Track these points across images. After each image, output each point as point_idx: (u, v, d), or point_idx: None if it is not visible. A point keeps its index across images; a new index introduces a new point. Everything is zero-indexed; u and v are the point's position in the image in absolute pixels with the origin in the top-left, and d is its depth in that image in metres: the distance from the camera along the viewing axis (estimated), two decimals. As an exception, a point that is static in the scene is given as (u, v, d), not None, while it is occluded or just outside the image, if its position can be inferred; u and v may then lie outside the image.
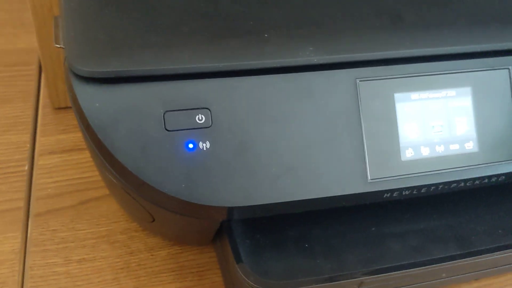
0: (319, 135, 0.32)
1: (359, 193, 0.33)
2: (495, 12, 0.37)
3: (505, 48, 0.36)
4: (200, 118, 0.30)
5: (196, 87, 0.30)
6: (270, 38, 0.33)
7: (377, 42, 0.34)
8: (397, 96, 0.34)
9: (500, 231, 0.36)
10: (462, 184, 0.36)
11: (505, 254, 0.36)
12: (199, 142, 0.30)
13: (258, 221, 0.35)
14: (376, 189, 0.33)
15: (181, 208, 0.31)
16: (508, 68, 0.36)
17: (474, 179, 0.36)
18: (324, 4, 0.36)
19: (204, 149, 0.30)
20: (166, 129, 0.30)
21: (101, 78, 0.29)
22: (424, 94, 0.35)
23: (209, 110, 0.31)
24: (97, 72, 0.29)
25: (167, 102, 0.30)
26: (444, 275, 0.36)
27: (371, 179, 0.33)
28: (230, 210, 0.31)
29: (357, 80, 0.33)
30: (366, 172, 0.33)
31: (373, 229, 0.36)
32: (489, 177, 0.36)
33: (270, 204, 0.31)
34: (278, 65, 0.31)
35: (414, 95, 0.34)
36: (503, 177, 0.36)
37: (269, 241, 0.34)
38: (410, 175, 0.34)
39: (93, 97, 0.30)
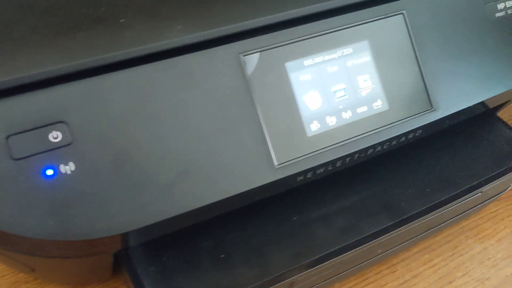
0: (209, 128, 0.27)
1: (269, 183, 0.28)
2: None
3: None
4: (55, 136, 0.24)
5: (44, 97, 0.24)
6: (128, 23, 0.27)
7: (254, 8, 0.29)
8: (288, 65, 0.30)
9: (428, 190, 0.34)
10: (379, 148, 0.32)
11: (439, 213, 0.33)
12: (59, 166, 0.24)
13: (161, 240, 0.29)
14: (287, 174, 0.29)
15: (57, 250, 0.25)
16: (402, 13, 0.33)
17: (390, 140, 0.32)
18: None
19: (68, 172, 0.24)
20: (14, 158, 0.24)
21: None
22: (318, 58, 0.31)
23: (66, 123, 0.25)
24: None
25: (8, 123, 0.24)
26: (379, 251, 0.33)
27: (278, 165, 0.28)
28: (116, 238, 0.26)
29: (241, 55, 0.28)
30: (272, 158, 0.28)
31: (294, 218, 0.32)
32: (406, 134, 0.33)
33: (168, 219, 0.26)
34: (143, 53, 0.26)
35: (308, 61, 0.30)
36: (420, 131, 0.33)
37: (178, 261, 0.29)
38: (320, 151, 0.30)
39: None
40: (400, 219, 0.32)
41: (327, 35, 0.31)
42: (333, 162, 0.31)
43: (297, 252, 0.30)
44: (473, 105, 0.34)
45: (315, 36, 0.30)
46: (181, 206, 0.26)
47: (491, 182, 0.34)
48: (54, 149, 0.24)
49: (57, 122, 0.24)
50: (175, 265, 0.28)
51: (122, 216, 0.25)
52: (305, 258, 0.30)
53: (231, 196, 0.27)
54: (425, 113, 0.33)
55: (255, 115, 0.28)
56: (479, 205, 0.41)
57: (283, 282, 0.29)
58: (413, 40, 0.33)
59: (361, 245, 0.31)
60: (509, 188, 0.44)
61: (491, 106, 0.39)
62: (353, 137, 0.31)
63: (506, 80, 0.35)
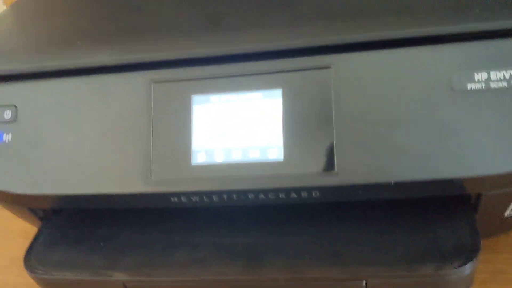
0: (107, 133, 0.33)
1: (140, 193, 0.32)
2: (315, 7, 0.33)
3: (326, 43, 0.31)
4: (7, 114, 0.35)
5: (6, 86, 0.35)
6: (80, 43, 0.36)
7: (175, 44, 0.34)
8: (195, 98, 0.33)
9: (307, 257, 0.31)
10: (263, 195, 0.32)
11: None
12: (3, 134, 0.35)
13: (72, 218, 0.37)
14: (159, 190, 0.32)
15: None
16: (330, 67, 0.31)
17: (278, 190, 0.31)
18: (133, 8, 0.37)
19: (6, 141, 0.35)
20: (-18, 122, 0.35)
21: None
22: (224, 97, 0.33)
23: (16, 107, 0.35)
24: None
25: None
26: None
27: (153, 179, 0.32)
28: (20, 197, 0.34)
29: (152, 82, 0.33)
30: (149, 172, 0.32)
31: (176, 237, 0.34)
32: (297, 190, 0.31)
33: (54, 195, 0.33)
34: (74, 67, 0.34)
35: (214, 97, 0.33)
36: (317, 192, 0.31)
37: (65, 238, 0.36)
38: (199, 179, 0.32)
39: None
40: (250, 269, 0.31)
41: (241, 77, 0.32)
42: (208, 193, 0.32)
43: (143, 261, 0.33)
44: (389, 183, 0.29)
45: (227, 77, 0.33)
46: (64, 188, 0.33)
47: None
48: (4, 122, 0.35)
49: (10, 105, 0.35)
50: (59, 241, 0.35)
51: (27, 181, 0.34)
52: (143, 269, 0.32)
53: (102, 194, 0.33)
54: (326, 175, 0.30)
55: (148, 130, 0.33)
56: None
57: (115, 279, 0.32)
58: (334, 99, 0.31)
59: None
60: None
61: (438, 191, 0.31)
62: (235, 177, 0.31)
63: (445, 165, 0.29)
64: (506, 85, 0.29)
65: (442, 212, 0.32)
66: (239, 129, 0.32)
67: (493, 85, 0.29)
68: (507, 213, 0.33)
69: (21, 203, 0.36)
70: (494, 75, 0.29)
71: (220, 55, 0.33)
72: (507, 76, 0.29)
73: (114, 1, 0.41)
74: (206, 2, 0.37)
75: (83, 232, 0.36)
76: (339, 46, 0.31)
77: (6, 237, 0.48)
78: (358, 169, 0.30)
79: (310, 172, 0.30)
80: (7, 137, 0.35)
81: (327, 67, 0.31)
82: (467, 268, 0.29)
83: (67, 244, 0.35)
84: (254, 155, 0.32)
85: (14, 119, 0.35)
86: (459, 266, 0.29)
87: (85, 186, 0.33)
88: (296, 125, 0.31)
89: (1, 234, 0.49)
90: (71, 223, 0.37)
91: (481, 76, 0.29)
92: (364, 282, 0.30)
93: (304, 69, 0.32)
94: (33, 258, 0.34)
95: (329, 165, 0.30)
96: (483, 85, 0.29)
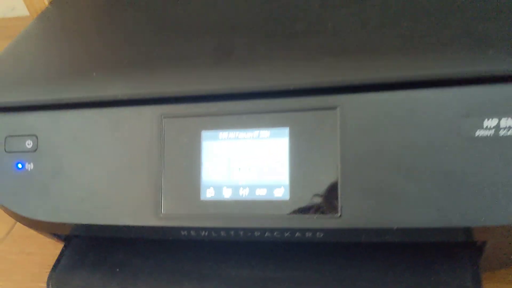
0: (121, 165, 0.35)
1: (151, 227, 0.34)
2: (323, 47, 0.33)
3: (333, 85, 0.31)
4: (29, 143, 0.37)
5: (27, 117, 0.37)
6: (96, 75, 0.37)
7: (186, 79, 0.34)
8: (204, 134, 0.33)
9: None
10: (269, 233, 0.32)
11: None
12: (25, 163, 0.37)
13: (90, 242, 0.39)
14: (169, 224, 0.33)
15: (12, 216, 0.38)
16: (336, 108, 0.31)
17: (283, 230, 0.32)
18: (146, 38, 0.38)
19: (29, 170, 0.36)
20: (6, 151, 0.37)
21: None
22: (233, 133, 0.33)
23: (36, 137, 0.37)
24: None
25: (7, 129, 0.37)
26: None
27: (164, 214, 0.33)
28: (40, 223, 0.36)
29: (162, 117, 0.34)
30: (160, 206, 0.33)
31: (186, 267, 0.35)
32: (302, 230, 0.32)
33: (71, 224, 0.35)
34: (90, 100, 0.35)
35: (223, 134, 0.33)
36: (321, 233, 0.31)
37: (84, 262, 0.38)
38: (207, 215, 0.33)
39: None
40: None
41: (249, 115, 0.33)
42: (216, 229, 0.33)
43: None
44: (392, 229, 0.29)
45: (236, 114, 0.33)
46: (82, 218, 0.35)
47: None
48: (26, 151, 0.37)
49: (31, 135, 0.37)
50: (83, 262, 0.37)
51: (47, 209, 0.36)
52: None
53: (115, 225, 0.34)
54: (329, 217, 0.31)
55: (160, 167, 0.34)
56: None
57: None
58: (340, 141, 0.31)
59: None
60: None
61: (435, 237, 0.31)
62: (242, 215, 0.32)
63: (451, 214, 0.28)
64: (514, 133, 0.28)
65: (446, 255, 0.32)
66: (246, 166, 0.33)
67: (502, 132, 0.29)
68: (514, 255, 0.33)
69: (42, 229, 0.39)
70: (504, 122, 0.29)
71: (230, 92, 0.33)
72: (517, 125, 0.28)
73: (129, 30, 0.42)
74: (217, 34, 0.37)
75: (100, 257, 0.38)
76: (345, 87, 0.31)
77: (38, 243, 0.51)
78: (361, 213, 0.30)
79: (314, 214, 0.31)
80: (29, 166, 0.37)
81: (334, 108, 0.31)
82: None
83: (86, 268, 0.37)
84: (261, 193, 0.32)
85: (35, 149, 0.36)
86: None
87: (100, 217, 0.35)
88: (303, 164, 0.32)
89: (33, 241, 0.51)
90: (90, 247, 0.39)
91: (490, 122, 0.29)
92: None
93: (311, 109, 0.32)
94: (54, 281, 0.36)
95: (333, 208, 0.31)
96: (493, 132, 0.29)
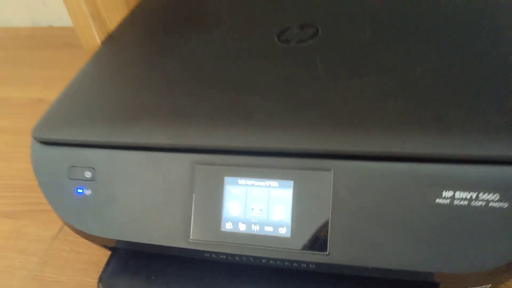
0: (160, 199, 0.44)
1: (181, 248, 0.43)
2: (323, 115, 0.41)
3: (328, 151, 0.40)
4: (88, 174, 0.46)
5: (86, 153, 0.47)
6: (144, 121, 0.46)
7: (215, 134, 0.43)
8: (227, 179, 0.43)
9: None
10: (273, 262, 0.42)
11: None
12: (84, 189, 0.46)
13: (133, 253, 0.48)
14: (195, 248, 0.43)
15: (73, 229, 0.48)
16: (331, 171, 0.40)
17: (284, 260, 0.41)
18: (187, 94, 0.47)
19: (87, 195, 0.46)
20: (69, 178, 0.47)
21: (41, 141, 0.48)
22: (250, 181, 0.42)
23: (94, 169, 0.46)
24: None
25: (71, 160, 0.47)
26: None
27: (192, 239, 0.43)
28: (93, 236, 0.46)
29: (194, 163, 0.43)
30: (189, 233, 0.43)
31: (208, 279, 0.45)
32: (299, 262, 0.41)
33: (118, 240, 0.45)
34: (138, 144, 0.45)
35: (241, 181, 0.42)
36: (313, 265, 0.40)
37: (127, 269, 0.48)
38: (225, 243, 0.42)
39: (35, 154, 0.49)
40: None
41: (262, 168, 0.42)
42: (232, 255, 0.42)
43: None
44: (367, 267, 0.38)
45: (253, 167, 0.42)
46: (125, 236, 0.45)
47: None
48: (86, 180, 0.46)
49: (90, 167, 0.46)
50: (129, 270, 0.47)
51: (101, 227, 0.45)
52: None
53: (153, 245, 0.44)
54: (320, 254, 0.40)
55: (190, 203, 0.43)
56: None
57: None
58: (332, 195, 0.40)
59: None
60: None
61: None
62: (254, 245, 0.41)
63: (415, 259, 0.37)
64: (466, 204, 0.37)
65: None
66: (258, 207, 0.42)
67: (456, 202, 0.37)
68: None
69: (94, 241, 0.49)
70: (458, 194, 0.37)
71: (248, 149, 0.42)
72: (468, 197, 0.37)
73: (171, 81, 0.51)
74: (243, 97, 0.46)
75: (140, 265, 0.48)
76: (339, 155, 0.40)
77: (85, 244, 0.61)
78: (345, 252, 0.39)
79: (308, 250, 0.40)
80: (87, 192, 0.46)
81: (328, 170, 0.40)
82: None
83: (128, 274, 0.47)
84: (268, 229, 0.41)
85: (93, 179, 0.46)
86: None
87: (141, 237, 0.44)
88: (302, 211, 0.41)
89: (81, 242, 0.62)
90: (131, 257, 0.49)
91: (447, 194, 0.37)
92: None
93: (311, 169, 0.41)
94: (104, 282, 0.46)
95: (323, 247, 0.40)
96: (448, 201, 0.37)
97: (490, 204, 0.37)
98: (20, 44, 1.06)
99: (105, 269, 0.48)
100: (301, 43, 0.52)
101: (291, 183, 0.41)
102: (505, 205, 0.36)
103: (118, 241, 0.46)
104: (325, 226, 0.40)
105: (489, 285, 0.42)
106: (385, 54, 0.48)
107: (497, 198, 0.37)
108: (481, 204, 0.37)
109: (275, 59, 0.51)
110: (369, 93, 0.43)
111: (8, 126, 0.83)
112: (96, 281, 0.51)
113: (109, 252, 0.53)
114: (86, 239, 0.49)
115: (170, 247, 0.44)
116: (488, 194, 0.37)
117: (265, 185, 0.42)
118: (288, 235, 0.41)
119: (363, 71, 0.46)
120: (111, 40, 0.63)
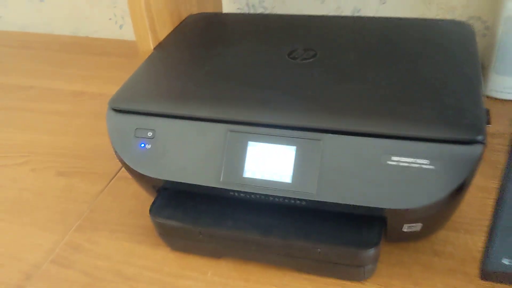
0: (200, 153, 0.63)
1: (214, 187, 0.62)
2: (317, 105, 0.62)
3: (319, 127, 0.60)
4: (150, 133, 0.65)
5: (150, 119, 0.66)
6: (192, 100, 0.66)
7: (243, 112, 0.63)
8: (249, 143, 0.62)
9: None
10: (278, 199, 0.61)
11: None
12: (146, 144, 0.65)
13: (174, 193, 0.68)
14: (224, 187, 0.62)
15: (131, 173, 0.67)
16: (321, 140, 0.60)
17: (285, 198, 0.61)
18: (227, 80, 0.67)
19: (147, 147, 0.65)
20: (135, 136, 0.66)
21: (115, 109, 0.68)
22: (265, 145, 0.62)
23: (154, 130, 0.65)
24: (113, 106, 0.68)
25: (136, 124, 0.66)
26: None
27: (222, 181, 0.62)
28: (149, 178, 0.65)
29: (227, 131, 0.63)
30: (220, 176, 0.62)
31: (227, 210, 0.64)
32: (294, 199, 0.60)
33: (167, 180, 0.64)
34: (187, 116, 0.64)
35: (259, 144, 0.62)
36: (304, 202, 0.60)
37: (170, 204, 0.67)
38: (245, 185, 0.61)
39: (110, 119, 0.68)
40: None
41: (274, 136, 0.62)
42: (249, 193, 0.62)
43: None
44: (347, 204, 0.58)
45: (264, 134, 0.62)
46: (176, 177, 0.63)
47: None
48: (148, 138, 0.65)
49: (151, 129, 0.65)
50: (173, 205, 0.66)
51: (155, 170, 0.64)
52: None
53: (193, 184, 0.63)
54: (309, 193, 0.59)
55: (223, 157, 0.62)
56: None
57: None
58: (321, 157, 0.60)
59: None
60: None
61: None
62: (265, 187, 0.61)
63: (371, 198, 0.57)
64: (407, 165, 0.57)
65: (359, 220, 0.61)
66: (271, 161, 0.61)
67: (401, 164, 0.58)
68: (404, 229, 0.62)
69: (148, 182, 0.67)
70: (403, 159, 0.58)
71: (265, 123, 0.62)
72: (408, 161, 0.57)
73: (210, 78, 0.71)
74: (263, 90, 0.66)
75: (179, 202, 0.67)
76: (326, 130, 0.60)
77: (122, 198, 0.79)
78: (327, 194, 0.59)
79: (302, 191, 0.60)
80: (148, 146, 0.65)
81: (319, 140, 0.60)
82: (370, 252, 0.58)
83: (171, 207, 0.66)
84: (276, 177, 0.61)
85: (153, 137, 0.65)
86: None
87: (184, 177, 0.63)
88: (300, 166, 0.60)
89: (125, 196, 0.80)
90: (173, 196, 0.68)
91: (395, 158, 0.58)
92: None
93: (307, 138, 0.61)
94: (153, 212, 0.65)
95: (312, 190, 0.59)
96: (396, 163, 0.58)
97: (423, 166, 0.57)
98: (63, 48, 1.26)
99: (153, 203, 0.67)
100: (304, 61, 0.73)
101: (294, 147, 0.61)
102: (432, 167, 0.57)
103: (168, 182, 0.65)
104: (314, 177, 0.60)
105: (420, 224, 0.62)
106: (363, 70, 0.69)
107: (427, 163, 0.57)
108: (417, 166, 0.57)
109: (286, 70, 0.71)
110: (349, 94, 0.64)
111: (59, 109, 1.02)
112: (134, 222, 0.70)
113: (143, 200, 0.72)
114: (142, 181, 0.67)
115: (207, 187, 0.63)
116: (422, 160, 0.57)
117: (276, 148, 0.62)
118: (290, 181, 0.61)
119: (346, 80, 0.67)
120: (160, 47, 0.83)
